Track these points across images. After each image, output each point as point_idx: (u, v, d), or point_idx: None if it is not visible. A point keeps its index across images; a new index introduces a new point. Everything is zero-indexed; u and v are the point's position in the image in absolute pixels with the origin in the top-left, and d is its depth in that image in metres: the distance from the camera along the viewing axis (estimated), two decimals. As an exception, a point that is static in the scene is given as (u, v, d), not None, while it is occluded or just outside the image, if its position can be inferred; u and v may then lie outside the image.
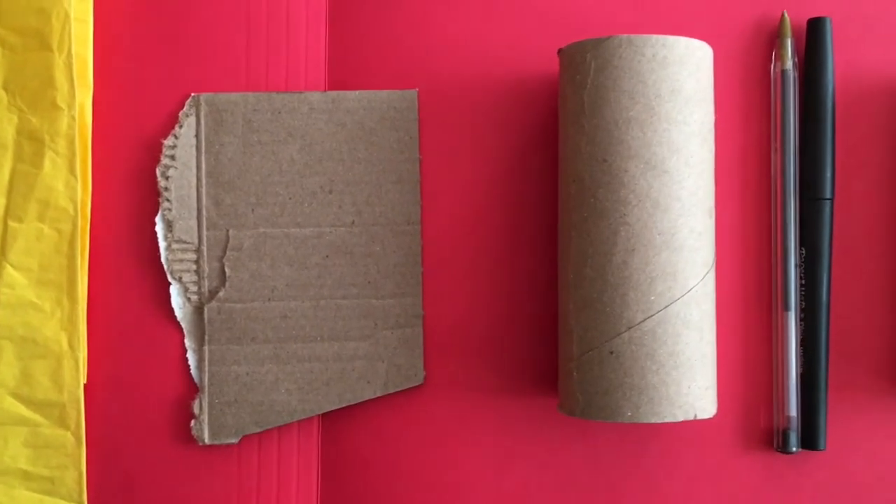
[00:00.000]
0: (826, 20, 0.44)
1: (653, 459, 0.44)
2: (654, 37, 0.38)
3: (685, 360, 0.38)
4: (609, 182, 0.38)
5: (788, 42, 0.44)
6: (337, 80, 0.45)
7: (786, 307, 0.44)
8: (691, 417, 0.39)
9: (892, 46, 0.44)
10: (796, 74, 0.44)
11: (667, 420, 0.38)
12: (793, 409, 0.44)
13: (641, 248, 0.38)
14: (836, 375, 0.44)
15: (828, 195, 0.44)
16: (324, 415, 0.45)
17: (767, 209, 0.45)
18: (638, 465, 0.44)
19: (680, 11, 0.45)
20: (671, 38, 0.38)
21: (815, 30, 0.44)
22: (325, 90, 0.45)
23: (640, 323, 0.38)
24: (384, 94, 0.45)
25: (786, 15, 0.44)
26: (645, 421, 0.38)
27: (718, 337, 0.44)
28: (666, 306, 0.38)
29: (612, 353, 0.38)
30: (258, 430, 0.44)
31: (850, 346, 0.44)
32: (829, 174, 0.44)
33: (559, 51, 0.41)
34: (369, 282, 0.44)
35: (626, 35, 0.38)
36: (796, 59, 0.44)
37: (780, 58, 0.44)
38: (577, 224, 0.39)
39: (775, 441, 0.44)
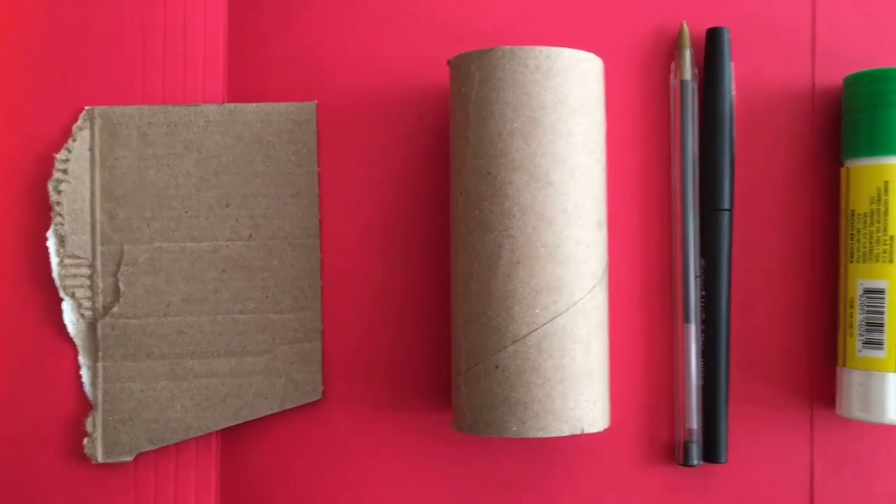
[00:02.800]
0: (724, 30, 0.44)
1: (555, 474, 0.44)
2: (538, 48, 0.38)
3: (571, 373, 0.38)
4: (494, 195, 0.38)
5: (687, 53, 0.44)
6: (236, 93, 0.45)
7: (686, 319, 0.43)
8: (578, 432, 0.38)
9: (791, 55, 0.44)
10: (695, 85, 0.44)
11: (553, 435, 0.38)
12: (694, 422, 0.43)
13: (526, 260, 0.38)
14: (738, 387, 0.44)
15: (726, 206, 0.43)
16: (223, 431, 0.44)
17: (668, 220, 0.44)
18: (540, 480, 0.44)
19: (580, 23, 0.44)
20: (555, 50, 0.38)
21: (713, 40, 0.44)
22: (224, 103, 0.44)
23: (524, 336, 0.38)
24: (282, 106, 0.44)
25: (685, 26, 0.44)
26: (530, 436, 0.38)
27: (620, 349, 0.44)
28: (551, 319, 0.38)
29: (497, 367, 0.38)
30: (153, 447, 0.43)
31: (751, 357, 0.44)
32: (727, 185, 0.43)
33: (448, 62, 0.40)
34: (267, 296, 0.44)
35: (509, 47, 0.38)
36: (696, 70, 0.44)
37: (679, 69, 0.44)
38: (464, 237, 0.39)
39: (677, 454, 0.44)
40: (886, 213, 0.40)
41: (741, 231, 0.44)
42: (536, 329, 0.38)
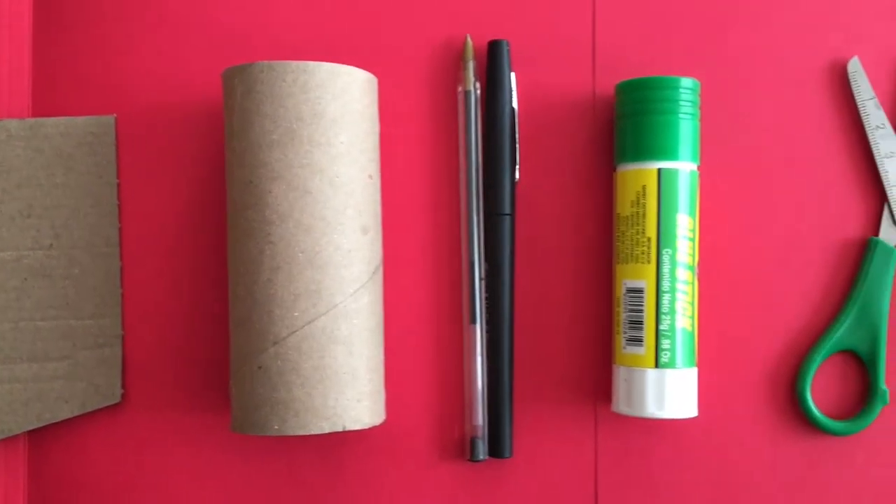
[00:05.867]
0: (503, 42, 0.45)
1: (347, 471, 0.45)
2: (296, 63, 0.40)
3: (332, 373, 0.40)
4: (255, 203, 0.40)
5: (470, 65, 0.46)
6: (42, 108, 0.46)
7: (472, 320, 0.45)
8: (340, 429, 0.40)
9: (573, 65, 0.46)
10: (478, 95, 0.46)
11: (313, 432, 0.39)
12: (479, 419, 0.45)
13: (286, 266, 0.39)
14: (524, 385, 0.46)
15: (507, 211, 0.45)
16: (31, 434, 0.46)
17: (458, 225, 0.46)
18: (333, 477, 0.45)
19: (369, 38, 0.46)
20: (312, 64, 0.40)
21: (493, 52, 0.46)
22: (28, 117, 0.46)
23: (284, 338, 0.39)
24: (82, 120, 0.46)
25: (468, 39, 0.46)
26: (291, 433, 0.39)
27: (412, 349, 0.45)
28: (309, 322, 0.39)
29: (260, 368, 0.40)
30: (-43, 451, 0.45)
31: (536, 356, 0.46)
32: (507, 191, 0.45)
33: (221, 75, 0.42)
34: (68, 303, 0.45)
35: (268, 61, 0.40)
36: (478, 82, 0.46)
37: (464, 79, 0.46)
38: (233, 244, 0.41)
39: (465, 450, 0.45)
40: (644, 216, 0.42)
41: (525, 234, 0.46)
42: (296, 331, 0.39)
